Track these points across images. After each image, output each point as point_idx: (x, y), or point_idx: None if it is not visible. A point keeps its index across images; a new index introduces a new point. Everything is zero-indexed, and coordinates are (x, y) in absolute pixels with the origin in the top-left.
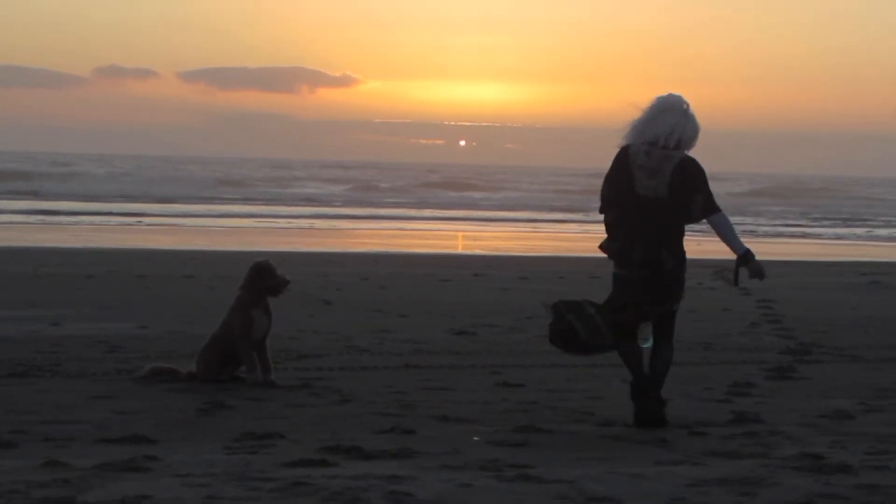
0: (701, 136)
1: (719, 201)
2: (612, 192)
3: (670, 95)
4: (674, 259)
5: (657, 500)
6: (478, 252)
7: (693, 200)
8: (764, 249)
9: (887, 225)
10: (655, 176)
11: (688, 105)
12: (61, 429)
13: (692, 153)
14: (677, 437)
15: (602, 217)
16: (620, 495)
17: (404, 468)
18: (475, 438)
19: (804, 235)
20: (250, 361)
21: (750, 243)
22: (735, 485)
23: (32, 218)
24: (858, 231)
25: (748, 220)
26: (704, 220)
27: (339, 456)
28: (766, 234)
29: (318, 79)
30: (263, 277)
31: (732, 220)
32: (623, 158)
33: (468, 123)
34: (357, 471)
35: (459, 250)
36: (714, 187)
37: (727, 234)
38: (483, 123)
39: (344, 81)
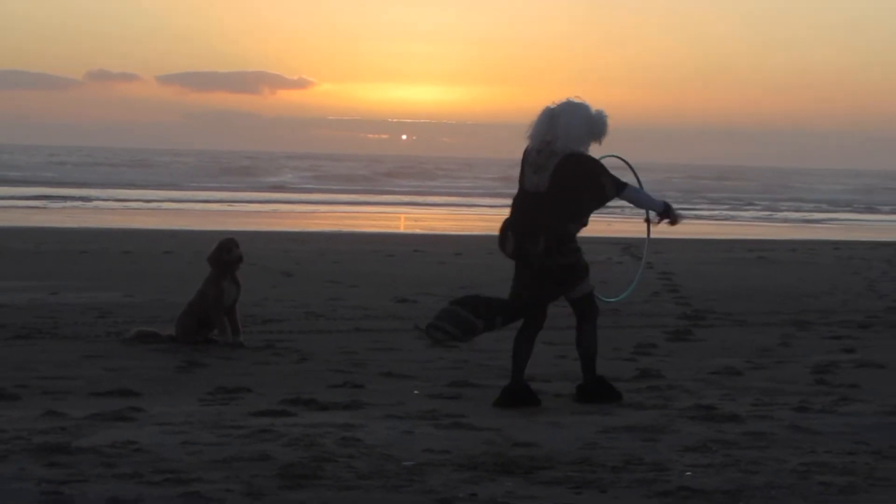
0: (616, 133)
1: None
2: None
3: (567, 101)
4: (549, 245)
5: (573, 444)
6: (417, 231)
7: (602, 184)
8: (665, 229)
9: (775, 209)
10: (539, 171)
11: (583, 108)
12: (58, 384)
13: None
14: None
15: None
16: (540, 440)
17: (355, 417)
18: (416, 392)
19: (698, 217)
20: (222, 326)
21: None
22: (640, 432)
23: (33, 202)
24: (748, 213)
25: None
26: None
27: (298, 407)
28: None
29: (278, 82)
30: (223, 252)
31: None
32: (523, 158)
33: (409, 120)
34: (314, 420)
35: (402, 230)
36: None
37: (643, 200)
38: (422, 120)
39: (300, 84)
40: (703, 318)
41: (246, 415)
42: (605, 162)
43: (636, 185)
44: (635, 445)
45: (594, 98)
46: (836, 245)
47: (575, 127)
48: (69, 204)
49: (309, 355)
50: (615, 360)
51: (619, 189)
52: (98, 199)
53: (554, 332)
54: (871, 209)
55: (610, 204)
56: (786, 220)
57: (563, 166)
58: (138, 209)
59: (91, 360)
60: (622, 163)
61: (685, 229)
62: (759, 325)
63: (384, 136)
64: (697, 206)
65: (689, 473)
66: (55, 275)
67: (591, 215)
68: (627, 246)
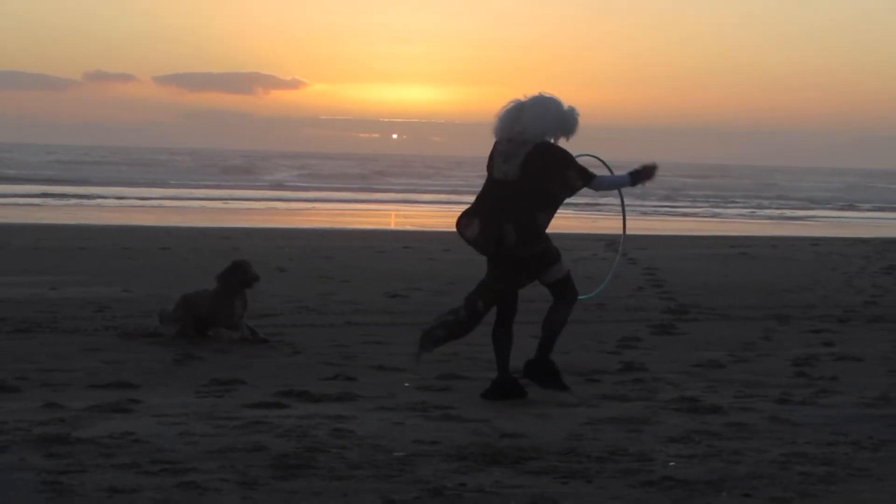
0: (591, 130)
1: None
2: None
3: (538, 94)
4: (519, 235)
5: (559, 435)
6: (407, 228)
7: (569, 177)
8: (650, 226)
9: (757, 206)
10: (510, 160)
11: (554, 102)
12: (58, 376)
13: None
14: (575, 384)
15: None
16: (527, 432)
17: (347, 409)
18: (406, 384)
19: (684, 214)
20: (244, 336)
21: (642, 220)
22: (624, 423)
23: (32, 200)
24: (731, 211)
25: (637, 201)
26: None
27: (291, 399)
28: (654, 214)
29: (271, 82)
30: (238, 273)
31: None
32: (493, 149)
33: (399, 120)
34: (306, 411)
35: (392, 226)
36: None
37: (613, 183)
38: (412, 120)
39: (293, 84)
40: (686, 313)
41: (240, 406)
42: (581, 161)
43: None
44: (620, 436)
45: (577, 98)
46: (816, 241)
47: (544, 120)
48: (68, 201)
49: (302, 349)
50: (600, 354)
51: (587, 180)
52: (96, 196)
53: (539, 325)
54: (850, 206)
55: (596, 200)
56: (767, 218)
57: (534, 155)
58: (135, 206)
59: (90, 353)
60: (598, 161)
61: (670, 226)
62: (741, 320)
63: (375, 136)
64: (680, 204)
65: (672, 464)
66: (55, 270)
67: (563, 208)
68: (611, 242)
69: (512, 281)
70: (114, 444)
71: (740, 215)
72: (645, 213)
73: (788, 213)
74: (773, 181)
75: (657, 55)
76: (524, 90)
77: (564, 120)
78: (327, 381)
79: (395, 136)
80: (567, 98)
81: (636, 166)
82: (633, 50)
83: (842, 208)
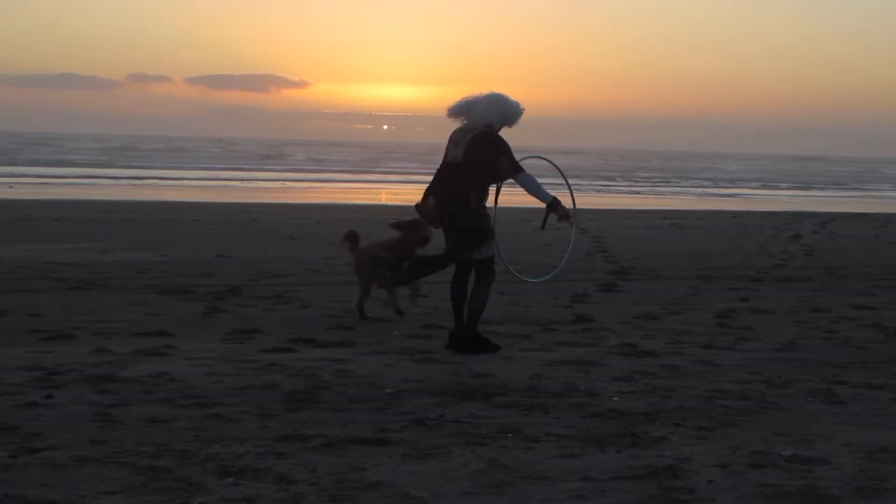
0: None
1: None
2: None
3: (490, 92)
4: (460, 213)
5: (522, 375)
6: (397, 203)
7: (500, 163)
8: (598, 201)
9: (687, 185)
10: (458, 145)
11: (501, 97)
12: (106, 326)
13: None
14: (535, 332)
15: None
16: (496, 372)
17: (346, 353)
18: (396, 333)
19: (631, 193)
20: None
21: (592, 196)
22: (576, 365)
23: (86, 180)
24: (665, 189)
25: (597, 182)
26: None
27: (300, 345)
28: (605, 192)
29: (282, 82)
30: (415, 229)
31: (578, 181)
32: (450, 136)
33: (389, 114)
34: (313, 355)
35: (383, 202)
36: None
37: (532, 189)
38: (399, 114)
39: (301, 84)
40: (627, 274)
41: (258, 351)
42: (532, 161)
43: (566, 186)
44: (572, 376)
45: (534, 95)
46: (735, 215)
47: (490, 110)
48: (114, 181)
49: (309, 303)
50: (556, 307)
51: (514, 171)
52: (138, 177)
53: (506, 284)
54: (765, 185)
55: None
56: (694, 195)
57: (475, 140)
58: (170, 186)
59: (133, 307)
60: (552, 164)
61: (615, 201)
62: (672, 280)
63: (369, 126)
64: (622, 184)
65: (616, 398)
66: (105, 238)
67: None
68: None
69: (452, 247)
70: (153, 382)
71: (672, 192)
72: (598, 192)
73: (711, 190)
74: (703, 164)
75: (596, 60)
76: (489, 88)
77: (507, 112)
78: (330, 330)
79: (385, 127)
80: (525, 95)
81: (565, 204)
82: (586, 54)
83: (756, 187)
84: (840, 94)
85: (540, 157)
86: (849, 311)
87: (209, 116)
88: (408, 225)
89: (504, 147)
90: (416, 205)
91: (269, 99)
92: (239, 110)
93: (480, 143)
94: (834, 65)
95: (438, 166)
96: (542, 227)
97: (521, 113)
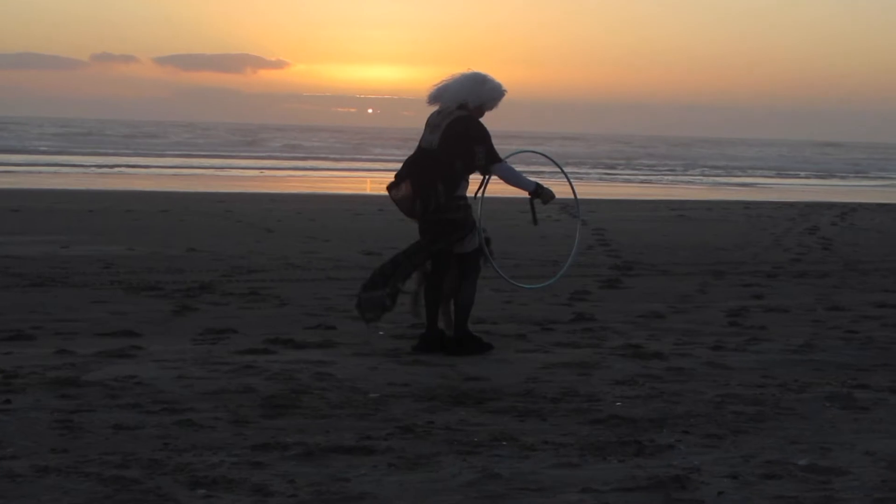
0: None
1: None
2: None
3: (468, 72)
4: (433, 206)
5: (517, 379)
6: (381, 193)
7: (475, 152)
8: (599, 191)
9: (695, 173)
10: (434, 131)
11: (480, 76)
12: (68, 325)
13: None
14: (532, 332)
15: None
16: (489, 375)
17: (327, 355)
18: (381, 333)
19: (628, 181)
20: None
21: (593, 185)
22: (576, 367)
23: (46, 168)
24: (671, 177)
25: (599, 170)
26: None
27: (278, 346)
28: (607, 180)
29: (258, 62)
30: None
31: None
32: (427, 120)
33: (374, 96)
34: (291, 357)
35: (367, 191)
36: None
37: (513, 179)
38: (385, 96)
39: (278, 64)
40: (631, 269)
41: (232, 353)
42: (523, 156)
43: (564, 178)
44: (571, 379)
45: (521, 76)
46: (747, 205)
47: (465, 90)
48: (78, 169)
49: (287, 300)
50: (554, 305)
51: (490, 160)
52: (102, 165)
53: (500, 280)
54: (779, 174)
55: (553, 170)
56: (703, 183)
57: (451, 126)
58: (138, 174)
59: (97, 304)
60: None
61: (618, 191)
62: (679, 275)
63: (352, 110)
64: (623, 172)
65: (618, 403)
66: (66, 230)
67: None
68: (565, 205)
69: (429, 241)
70: (119, 386)
71: (679, 181)
72: (601, 180)
73: (722, 179)
74: (714, 150)
75: (596, 38)
76: (484, 68)
77: (481, 93)
78: (310, 330)
79: (370, 110)
80: (520, 76)
81: (546, 187)
82: (574, 33)
83: (770, 175)
84: (862, 76)
85: (531, 152)
86: (870, 309)
87: (180, 99)
88: None
89: (480, 134)
90: (388, 190)
91: (244, 80)
92: (212, 92)
93: (457, 129)
94: (855, 43)
95: (413, 154)
96: (535, 221)
97: (502, 95)
